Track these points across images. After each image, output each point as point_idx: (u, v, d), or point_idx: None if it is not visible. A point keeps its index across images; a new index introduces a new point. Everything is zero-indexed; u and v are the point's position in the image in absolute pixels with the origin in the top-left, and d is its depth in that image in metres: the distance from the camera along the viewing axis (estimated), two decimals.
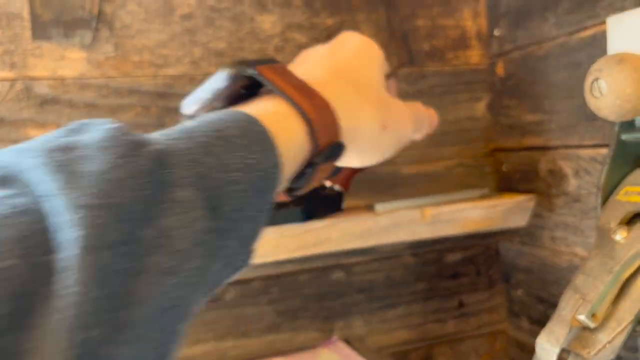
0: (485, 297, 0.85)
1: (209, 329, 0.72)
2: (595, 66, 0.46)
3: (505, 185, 0.82)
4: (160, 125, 0.69)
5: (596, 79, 0.46)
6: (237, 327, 0.73)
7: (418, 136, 0.48)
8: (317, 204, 0.61)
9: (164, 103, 0.70)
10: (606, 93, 0.45)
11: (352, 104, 0.37)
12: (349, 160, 0.39)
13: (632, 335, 0.62)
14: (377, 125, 0.38)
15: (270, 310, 0.74)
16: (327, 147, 0.34)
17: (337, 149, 0.35)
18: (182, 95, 0.71)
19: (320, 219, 0.60)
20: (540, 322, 0.78)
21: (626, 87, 0.44)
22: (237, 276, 0.31)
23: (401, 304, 0.81)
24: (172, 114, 0.70)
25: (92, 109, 0.67)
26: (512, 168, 0.80)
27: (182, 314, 0.25)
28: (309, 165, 0.34)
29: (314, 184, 0.36)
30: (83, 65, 0.67)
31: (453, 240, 0.83)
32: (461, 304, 0.84)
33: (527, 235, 0.78)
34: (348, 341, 0.74)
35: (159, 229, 0.23)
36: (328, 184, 0.66)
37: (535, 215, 0.75)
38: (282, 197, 0.36)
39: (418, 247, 0.81)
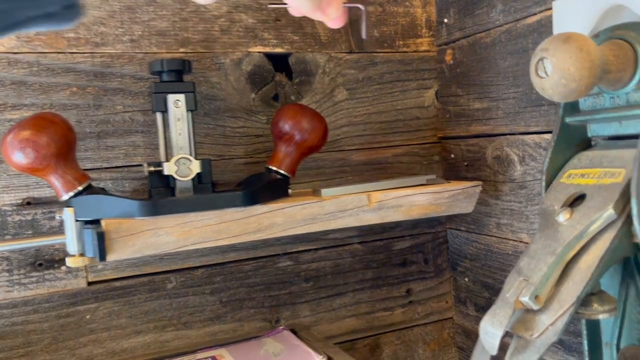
0: (433, 285, 0.85)
1: (148, 320, 0.68)
2: (541, 46, 0.46)
3: (453, 173, 0.82)
4: (97, 106, 0.66)
5: (542, 59, 0.45)
6: (179, 317, 0.70)
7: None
8: (261, 188, 0.59)
9: (102, 83, 0.66)
10: (551, 73, 0.45)
11: None
12: None
13: (575, 318, 0.63)
14: None
15: (214, 299, 0.72)
16: None
17: None
18: (121, 75, 0.68)
19: (264, 203, 0.58)
20: (486, 309, 0.78)
21: (571, 66, 0.43)
22: None
23: (349, 292, 0.80)
24: (110, 94, 0.66)
25: (21, 87, 0.63)
26: (460, 156, 0.80)
27: None
28: None
29: None
30: (11, 40, 0.63)
31: (402, 228, 0.83)
32: (409, 293, 0.84)
33: (474, 222, 0.78)
34: (294, 331, 0.72)
35: None
36: (274, 167, 0.64)
37: (482, 202, 0.75)
38: None
39: (366, 235, 0.80)
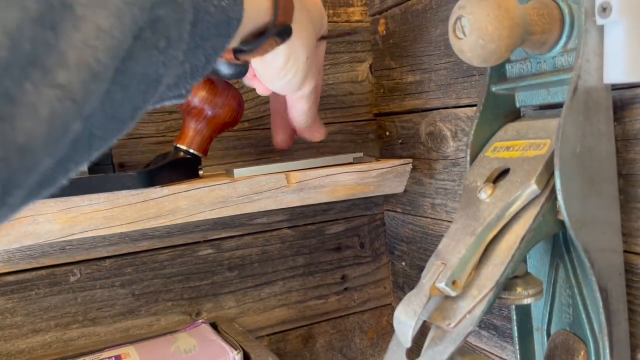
0: (370, 271, 0.81)
1: (48, 317, 0.62)
2: (459, 3, 0.41)
3: (389, 152, 0.77)
4: None
5: (459, 18, 0.40)
6: (85, 313, 0.63)
7: (304, 107, 0.56)
8: (161, 168, 0.53)
9: None
10: (469, 32, 0.40)
11: (302, 19, 0.46)
12: (280, 60, 0.46)
13: (500, 303, 0.59)
14: (307, 48, 0.48)
15: (125, 292, 0.65)
16: (281, 24, 0.42)
17: (288, 29, 0.43)
18: None
19: (166, 185, 0.52)
20: None
21: (489, 25, 0.39)
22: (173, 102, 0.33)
23: (278, 281, 0.74)
24: None
25: None
26: (394, 133, 0.75)
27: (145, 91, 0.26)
28: (263, 33, 0.42)
29: (258, 53, 0.43)
30: None
31: (335, 210, 0.78)
32: (344, 279, 0.79)
33: (410, 203, 0.74)
34: (215, 324, 0.66)
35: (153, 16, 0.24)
36: (183, 146, 0.58)
37: (417, 182, 0.71)
38: (228, 55, 0.43)
39: (297, 219, 0.75)
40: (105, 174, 0.52)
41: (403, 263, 0.78)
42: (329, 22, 0.75)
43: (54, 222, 0.47)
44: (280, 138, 0.61)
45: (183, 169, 0.56)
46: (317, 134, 0.61)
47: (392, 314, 0.82)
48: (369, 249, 0.81)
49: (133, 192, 0.49)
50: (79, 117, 0.20)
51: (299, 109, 0.56)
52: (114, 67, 0.22)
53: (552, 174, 0.41)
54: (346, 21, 0.77)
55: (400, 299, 0.79)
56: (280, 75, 0.48)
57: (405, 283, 0.78)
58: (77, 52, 0.19)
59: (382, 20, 0.75)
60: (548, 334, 0.49)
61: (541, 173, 0.41)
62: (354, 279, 0.80)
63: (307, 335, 0.77)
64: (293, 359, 0.76)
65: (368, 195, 0.64)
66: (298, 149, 0.74)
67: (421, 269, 0.73)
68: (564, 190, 0.39)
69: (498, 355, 0.62)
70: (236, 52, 0.42)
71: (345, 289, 0.79)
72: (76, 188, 0.47)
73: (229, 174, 0.58)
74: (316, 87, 0.55)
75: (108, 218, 0.49)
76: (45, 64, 0.18)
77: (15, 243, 0.47)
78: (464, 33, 0.40)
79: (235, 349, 0.57)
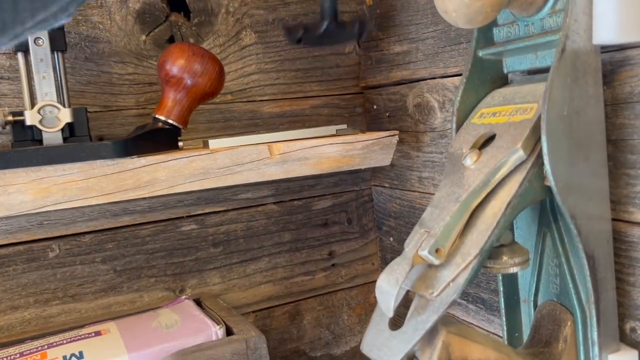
0: (357, 247, 0.80)
1: (27, 294, 0.60)
2: None
3: (377, 126, 0.76)
4: None
5: None
6: (65, 289, 0.62)
7: None
8: (138, 138, 0.51)
9: None
10: None
11: None
12: None
13: (485, 272, 0.58)
14: None
15: (107, 268, 0.64)
16: None
17: None
18: None
19: (143, 155, 0.51)
20: None
21: None
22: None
23: (264, 257, 0.73)
24: None
25: None
26: (382, 106, 0.74)
27: None
28: None
29: None
30: None
31: (322, 186, 0.76)
32: (331, 255, 0.78)
33: (397, 178, 0.73)
34: (199, 301, 0.65)
35: None
36: (162, 116, 0.56)
37: (404, 155, 0.70)
38: None
39: (283, 195, 0.74)
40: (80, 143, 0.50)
41: (391, 238, 0.77)
42: None
43: (25, 193, 0.46)
44: None
45: (162, 139, 0.54)
46: None
47: None
48: (357, 225, 0.79)
49: (109, 162, 0.48)
50: None
51: None
52: None
53: (539, 139, 0.39)
54: None
55: None
56: None
57: (393, 259, 0.77)
58: None
59: None
60: (535, 305, 0.49)
61: (527, 137, 0.39)
62: (341, 255, 0.79)
63: (294, 311, 0.76)
64: (280, 336, 0.75)
65: (354, 168, 0.63)
66: (284, 122, 0.73)
67: None
68: (550, 154, 0.38)
69: (485, 328, 0.61)
70: None
71: (333, 265, 0.78)
72: (48, 157, 0.46)
73: (205, 145, 0.56)
74: None
75: (83, 189, 0.48)
76: None
77: None
78: None
79: (218, 324, 0.55)
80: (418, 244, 0.40)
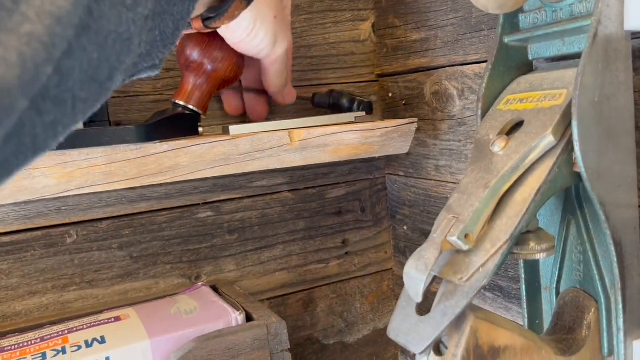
0: (371, 235, 0.80)
1: (45, 279, 0.60)
2: None
3: (392, 114, 0.75)
4: None
5: None
6: (82, 275, 0.62)
7: (277, 68, 0.56)
8: (160, 122, 0.51)
9: None
10: None
11: None
12: (246, 23, 0.47)
13: (511, 260, 0.58)
14: (273, 7, 0.48)
15: (124, 255, 0.64)
16: None
17: None
18: None
19: (165, 141, 0.50)
20: None
21: None
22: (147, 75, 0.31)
23: (279, 244, 0.73)
24: None
25: None
26: (398, 94, 0.74)
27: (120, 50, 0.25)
28: None
29: (226, 18, 0.42)
30: None
31: (337, 174, 0.76)
32: (345, 243, 0.78)
33: (413, 166, 0.73)
34: (216, 287, 0.65)
35: None
36: (182, 102, 0.56)
37: (421, 143, 0.69)
38: (197, 25, 0.42)
39: (297, 183, 0.74)
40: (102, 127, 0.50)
41: (405, 227, 0.77)
42: None
43: (50, 177, 0.46)
44: (233, 103, 0.63)
45: (182, 125, 0.54)
46: (289, 97, 0.63)
47: (393, 279, 0.81)
48: (370, 214, 0.79)
49: (132, 146, 0.48)
50: (51, 60, 0.21)
51: (274, 72, 0.56)
52: (78, 15, 0.22)
53: (569, 125, 0.39)
54: None
55: (401, 263, 0.79)
56: (250, 38, 0.48)
57: (407, 247, 0.77)
58: (38, 7, 0.20)
59: None
60: (557, 293, 0.49)
61: (558, 123, 0.39)
62: (354, 244, 0.79)
63: (308, 299, 0.76)
64: (293, 323, 0.75)
65: (372, 156, 0.62)
66: (299, 109, 0.72)
67: (424, 232, 0.72)
68: (581, 140, 0.38)
69: (503, 316, 0.61)
70: (205, 20, 0.42)
71: (346, 253, 0.78)
72: (72, 141, 0.45)
73: (224, 131, 0.56)
74: (288, 46, 0.55)
75: (106, 174, 0.48)
76: (7, 26, 0.19)
77: (10, 199, 0.45)
78: None
79: (238, 310, 0.55)
80: (446, 230, 0.40)
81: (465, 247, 0.39)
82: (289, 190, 0.73)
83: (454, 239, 0.39)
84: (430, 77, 0.67)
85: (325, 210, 0.76)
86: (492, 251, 0.38)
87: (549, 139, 0.39)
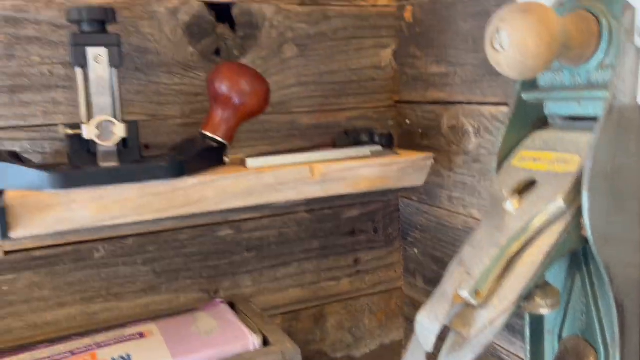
0: (382, 255, 0.82)
1: (73, 291, 0.64)
2: (498, 15, 0.41)
3: (407, 140, 0.78)
4: (9, 56, 0.58)
5: (497, 30, 0.40)
6: (108, 288, 0.65)
7: None
8: (190, 158, 0.54)
9: (14, 30, 0.58)
10: (507, 46, 0.40)
11: None
12: None
13: (516, 311, 0.60)
14: None
15: (147, 270, 0.67)
16: None
17: None
18: (37, 22, 0.60)
19: (194, 175, 0.53)
20: (434, 282, 0.76)
21: (529, 41, 0.39)
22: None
23: (294, 262, 0.76)
24: (25, 43, 0.59)
25: None
26: (415, 122, 0.76)
27: None
28: None
29: None
30: None
31: (352, 196, 0.79)
32: (357, 262, 0.81)
33: (426, 193, 0.75)
34: (233, 304, 0.68)
35: None
36: (210, 134, 0.59)
37: (435, 173, 0.72)
38: None
39: (314, 203, 0.76)
40: (136, 161, 0.53)
41: (415, 250, 0.80)
42: (354, 5, 0.74)
43: (87, 210, 0.49)
44: None
45: (210, 157, 0.57)
46: None
47: (402, 298, 0.84)
48: (382, 234, 0.82)
49: (163, 182, 0.50)
50: None
51: None
52: None
53: (579, 192, 0.41)
54: (372, 5, 0.76)
55: (410, 284, 0.82)
56: None
57: (417, 270, 0.80)
58: None
59: (408, 7, 0.75)
60: (559, 337, 0.51)
61: (570, 191, 0.41)
62: (366, 263, 0.81)
63: (319, 314, 0.79)
64: (304, 337, 0.78)
65: (388, 188, 0.65)
66: (320, 133, 0.75)
67: (434, 257, 0.75)
68: (591, 210, 0.40)
69: (506, 349, 0.64)
70: None
71: (358, 271, 0.81)
72: (108, 177, 0.48)
73: (241, 163, 0.59)
74: None
75: (138, 207, 0.51)
76: None
77: (50, 229, 0.48)
78: (502, 47, 0.40)
79: (255, 333, 0.59)
80: (458, 284, 0.43)
81: (475, 303, 0.42)
82: (306, 211, 0.76)
83: (465, 294, 0.42)
84: (447, 111, 0.69)
85: (340, 230, 0.79)
86: (500, 308, 0.41)
87: (560, 205, 0.42)
